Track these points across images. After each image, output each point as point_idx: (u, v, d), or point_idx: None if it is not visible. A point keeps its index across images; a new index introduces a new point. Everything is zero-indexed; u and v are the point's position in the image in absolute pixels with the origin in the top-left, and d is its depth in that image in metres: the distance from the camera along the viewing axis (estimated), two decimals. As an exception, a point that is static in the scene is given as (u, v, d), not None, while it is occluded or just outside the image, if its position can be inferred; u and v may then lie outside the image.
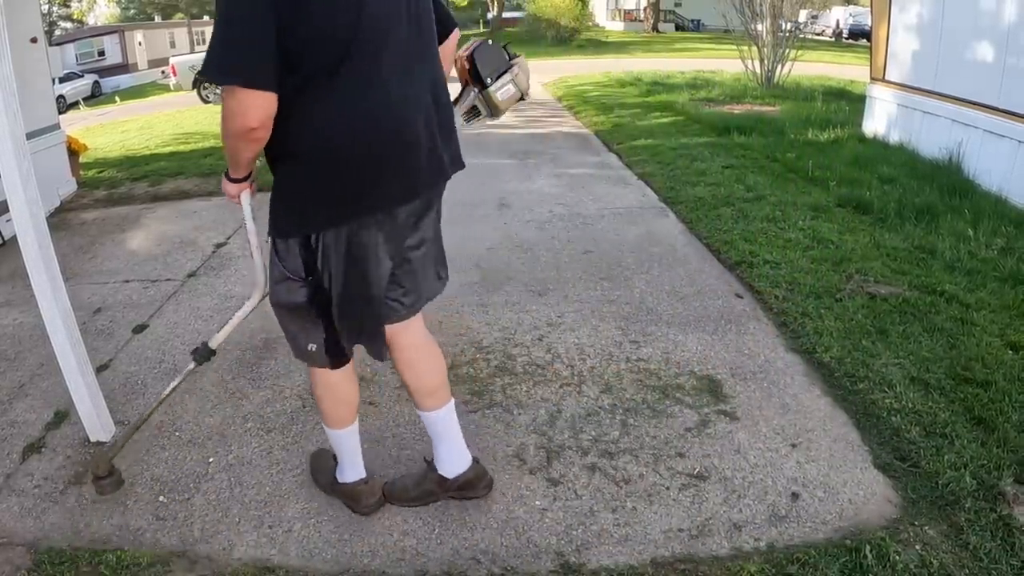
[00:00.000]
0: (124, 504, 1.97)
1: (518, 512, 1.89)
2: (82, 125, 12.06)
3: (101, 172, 6.78)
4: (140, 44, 28.72)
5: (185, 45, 30.25)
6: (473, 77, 1.82)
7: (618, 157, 6.26)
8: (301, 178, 1.49)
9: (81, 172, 6.40)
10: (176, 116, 11.57)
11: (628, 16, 37.27)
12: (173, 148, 8.06)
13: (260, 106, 1.34)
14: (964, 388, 2.33)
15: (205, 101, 13.72)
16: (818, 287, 3.13)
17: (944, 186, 4.55)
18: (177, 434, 2.30)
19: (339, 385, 1.77)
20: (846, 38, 30.04)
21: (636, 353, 2.70)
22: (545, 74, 13.88)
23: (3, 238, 4.43)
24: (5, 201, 1.97)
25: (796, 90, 10.18)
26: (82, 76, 24.06)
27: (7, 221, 3.15)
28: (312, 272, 1.56)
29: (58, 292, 2.08)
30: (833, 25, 32.06)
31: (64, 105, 18.82)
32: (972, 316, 2.81)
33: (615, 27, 36.52)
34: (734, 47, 11.83)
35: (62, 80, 20.40)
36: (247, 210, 1.68)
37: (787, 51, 10.79)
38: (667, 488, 1.96)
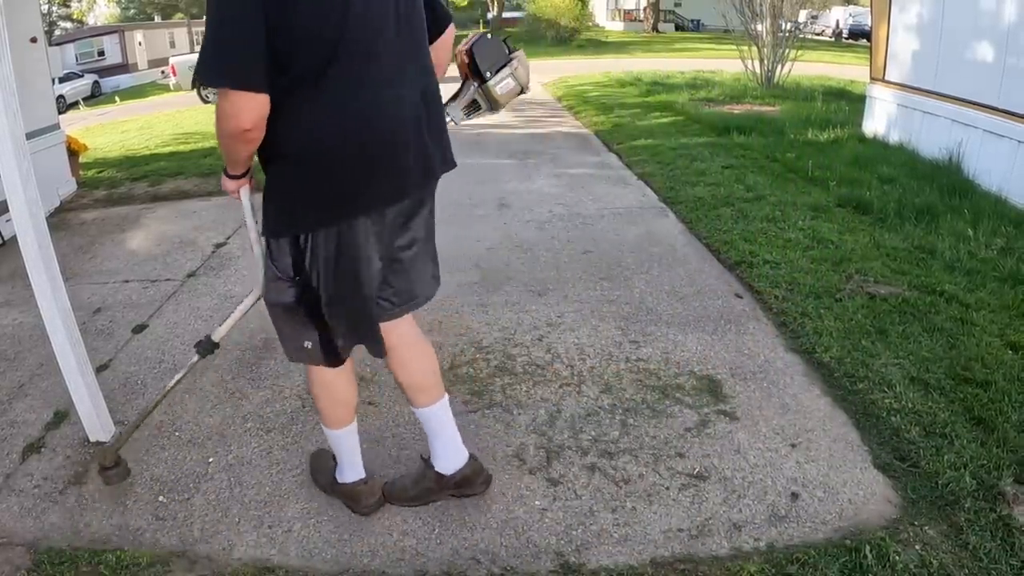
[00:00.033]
0: (124, 504, 1.97)
1: (518, 512, 1.89)
2: (82, 125, 12.07)
3: (101, 172, 6.78)
4: (140, 44, 28.72)
5: (185, 45, 30.24)
6: (472, 71, 1.82)
7: (618, 157, 6.26)
8: (290, 179, 1.50)
9: (81, 172, 6.40)
10: (176, 116, 11.58)
11: (628, 16, 37.27)
12: (173, 148, 8.06)
13: (253, 108, 1.35)
14: (964, 388, 2.32)
15: (205, 101, 13.71)
16: (818, 287, 3.13)
17: (944, 186, 4.55)
18: (177, 434, 2.30)
19: (337, 385, 1.77)
20: (846, 38, 30.04)
21: (636, 353, 2.70)
22: (545, 74, 13.87)
23: (3, 238, 4.43)
24: (5, 201, 1.97)
25: (796, 90, 10.18)
26: (82, 76, 24.05)
27: (7, 221, 3.15)
28: (300, 272, 1.57)
29: (58, 292, 2.08)
30: (833, 25, 32.06)
31: (64, 105, 18.82)
32: (972, 316, 2.81)
33: (615, 27, 36.52)
34: (734, 47, 11.83)
35: (62, 80, 20.40)
36: (246, 205, 1.70)
37: (787, 51, 10.80)
38: (667, 488, 1.96)
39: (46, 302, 2.06)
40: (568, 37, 27.28)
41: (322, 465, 2.03)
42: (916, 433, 2.11)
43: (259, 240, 1.75)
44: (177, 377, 1.93)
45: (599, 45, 26.84)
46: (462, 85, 1.85)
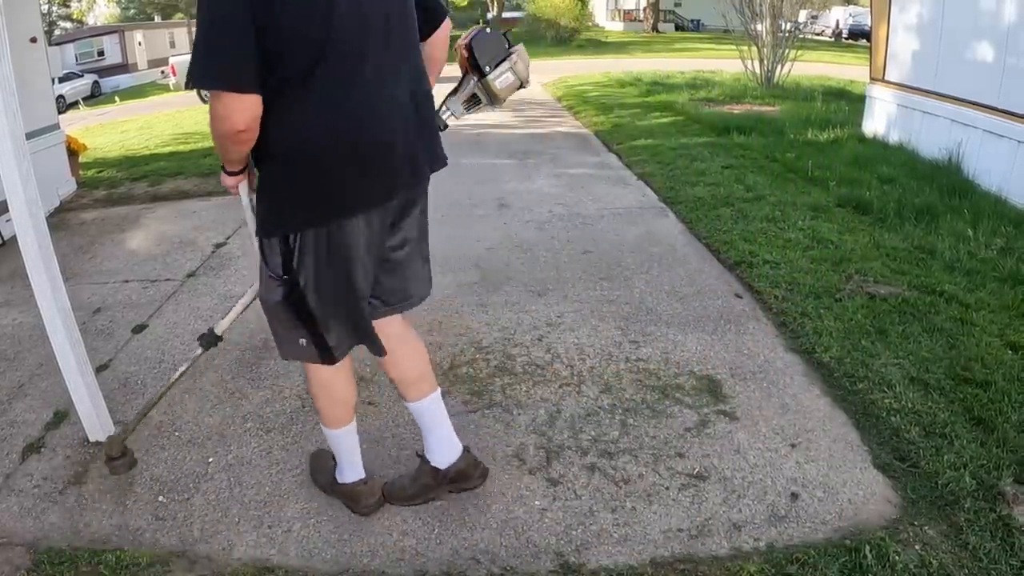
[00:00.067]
0: (124, 504, 1.97)
1: (517, 512, 1.89)
2: (81, 125, 12.06)
3: (101, 172, 6.78)
4: (140, 44, 28.72)
5: (185, 45, 30.20)
6: (472, 65, 1.82)
7: (618, 157, 6.26)
8: (280, 179, 1.51)
9: (81, 172, 6.40)
10: (175, 116, 11.58)
11: (628, 16, 37.27)
12: (172, 148, 8.07)
13: (245, 109, 1.36)
14: (964, 388, 2.32)
15: (204, 101, 13.65)
16: (818, 287, 3.13)
17: (944, 186, 4.55)
18: (176, 434, 2.30)
19: (335, 384, 1.77)
20: (846, 38, 30.04)
21: (636, 353, 2.70)
22: (545, 74, 13.87)
23: (3, 238, 4.43)
24: (5, 201, 1.97)
25: (796, 90, 10.18)
26: (82, 76, 24.05)
27: (7, 221, 3.15)
28: (288, 271, 1.57)
29: (58, 292, 2.08)
30: (833, 25, 32.06)
31: (64, 105, 18.81)
32: (972, 316, 2.81)
33: (615, 27, 36.52)
34: (734, 47, 11.83)
35: (62, 80, 20.41)
36: (245, 200, 1.72)
37: (787, 51, 10.80)
38: (667, 488, 1.96)
39: (46, 302, 2.06)
40: (568, 37, 27.28)
41: (322, 465, 2.03)
42: (916, 433, 2.11)
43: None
44: (181, 369, 1.96)
45: (599, 45, 26.85)
46: (462, 79, 1.85)
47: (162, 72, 25.32)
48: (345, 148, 1.46)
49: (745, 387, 2.44)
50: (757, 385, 2.45)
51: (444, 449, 1.90)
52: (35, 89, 5.22)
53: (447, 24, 1.72)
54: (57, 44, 25.44)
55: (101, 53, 27.48)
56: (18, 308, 3.37)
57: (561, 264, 3.63)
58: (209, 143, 7.90)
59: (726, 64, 13.53)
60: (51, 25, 34.28)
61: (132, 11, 40.15)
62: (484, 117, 8.53)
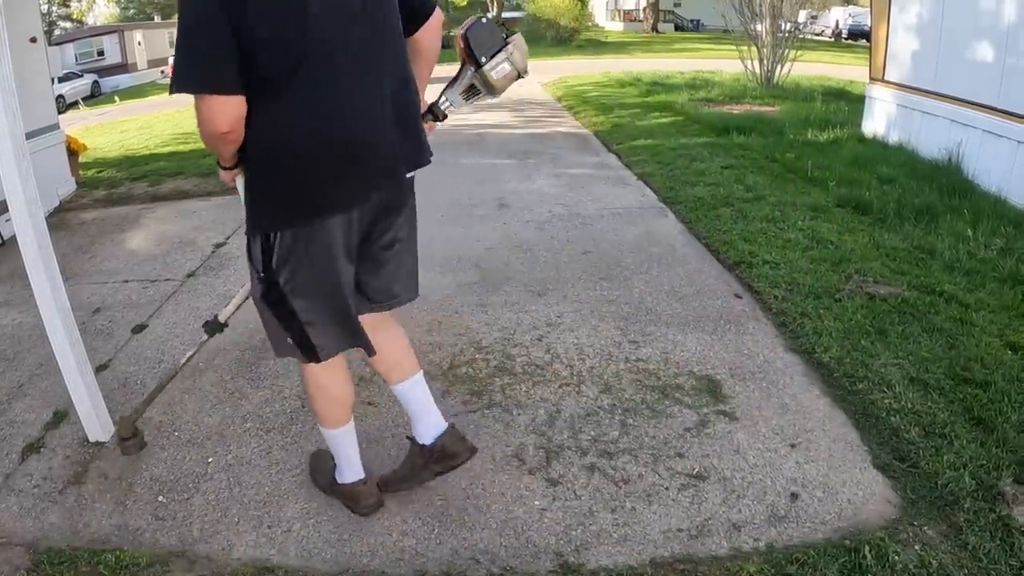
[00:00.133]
0: (123, 504, 1.97)
1: (517, 512, 1.89)
2: (81, 125, 12.06)
3: (100, 172, 6.78)
4: (139, 44, 28.70)
5: (185, 45, 30.11)
6: (469, 56, 1.82)
7: (617, 157, 6.26)
8: (259, 178, 1.53)
9: (80, 172, 6.40)
10: (175, 116, 11.56)
11: (628, 16, 37.30)
12: (172, 148, 8.06)
13: (229, 110, 1.38)
14: (963, 388, 2.33)
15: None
16: (817, 287, 3.13)
17: (943, 186, 4.55)
18: (176, 434, 2.30)
19: (332, 385, 1.78)
20: (845, 38, 30.05)
21: (635, 353, 2.70)
22: (545, 74, 13.87)
23: (3, 238, 4.43)
24: (4, 201, 1.97)
25: (795, 90, 10.18)
26: (81, 76, 24.03)
27: (6, 221, 3.14)
28: (267, 269, 1.58)
29: (57, 292, 2.08)
30: (832, 25, 32.07)
31: (63, 105, 18.80)
32: (971, 316, 2.82)
33: (615, 27, 36.55)
34: (733, 47, 11.83)
35: (61, 80, 20.40)
36: (243, 195, 1.72)
37: (786, 51, 10.80)
38: (666, 488, 1.96)
39: (45, 302, 2.06)
40: (568, 37, 27.29)
41: (321, 465, 2.03)
42: (916, 433, 2.11)
43: None
44: (189, 354, 2.05)
45: (599, 45, 26.85)
46: (460, 70, 1.85)
47: (162, 72, 25.33)
48: (323, 148, 1.47)
49: (745, 387, 2.44)
50: (757, 385, 2.45)
51: (430, 425, 1.90)
52: (35, 89, 5.22)
53: (438, 16, 1.71)
54: (57, 44, 25.43)
55: (101, 53, 27.45)
56: (18, 308, 3.37)
57: (561, 264, 3.63)
58: (209, 143, 7.92)
59: (726, 64, 13.53)
60: (51, 25, 34.30)
61: (132, 11, 40.18)
62: (484, 117, 8.54)
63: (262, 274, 1.59)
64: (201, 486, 2.04)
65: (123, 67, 27.48)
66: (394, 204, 1.68)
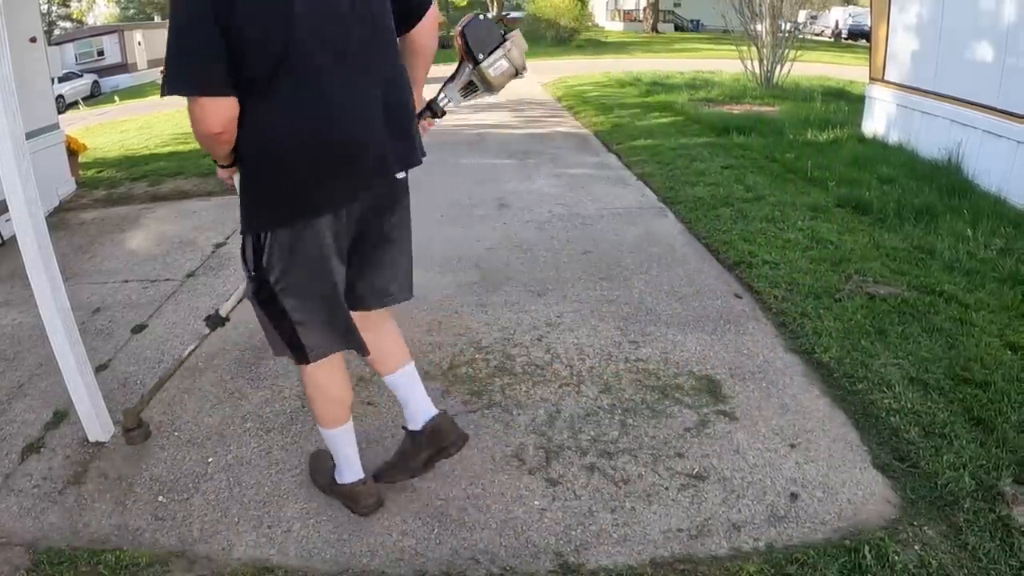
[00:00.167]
0: (123, 504, 1.97)
1: (517, 512, 1.89)
2: (81, 125, 12.06)
3: (100, 172, 6.78)
4: (139, 44, 28.68)
5: (185, 45, 30.13)
6: (467, 53, 1.82)
7: (617, 157, 6.26)
8: (248, 179, 1.54)
9: (80, 172, 6.40)
10: (175, 116, 11.55)
11: (627, 16, 37.28)
12: (172, 148, 8.06)
13: (220, 112, 1.39)
14: (963, 388, 2.33)
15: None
16: (817, 287, 3.13)
17: (943, 186, 4.55)
18: (176, 434, 2.30)
19: (330, 385, 1.78)
20: (845, 38, 30.05)
21: (635, 353, 2.70)
22: (545, 74, 13.87)
23: (2, 238, 4.43)
24: (4, 201, 1.97)
25: (795, 90, 10.18)
26: (81, 76, 24.01)
27: (6, 221, 3.15)
28: (258, 268, 1.59)
29: (57, 292, 2.08)
30: (832, 25, 32.07)
31: (63, 105, 18.79)
32: (971, 316, 2.82)
33: (614, 27, 36.54)
34: (733, 47, 11.83)
35: (61, 80, 20.35)
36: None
37: (786, 51, 10.80)
38: (666, 488, 1.96)
39: (45, 302, 2.06)
40: (568, 37, 27.28)
41: (321, 465, 2.03)
42: (915, 433, 2.11)
43: None
44: (191, 347, 2.08)
45: (599, 45, 26.85)
46: (458, 66, 1.85)
47: (161, 72, 25.22)
48: (310, 148, 1.47)
49: (744, 387, 2.44)
50: (756, 385, 2.45)
51: (421, 411, 1.90)
52: (35, 89, 5.22)
53: (433, 13, 1.70)
54: (57, 44, 25.38)
55: (101, 53, 27.43)
56: (18, 308, 3.37)
57: (561, 264, 3.63)
58: (209, 143, 7.92)
59: (725, 64, 13.53)
60: (51, 25, 34.30)
61: (132, 11, 40.18)
62: (484, 117, 8.54)
63: (253, 273, 1.60)
64: (201, 486, 2.04)
65: (123, 67, 27.46)
66: (387, 204, 1.68)
